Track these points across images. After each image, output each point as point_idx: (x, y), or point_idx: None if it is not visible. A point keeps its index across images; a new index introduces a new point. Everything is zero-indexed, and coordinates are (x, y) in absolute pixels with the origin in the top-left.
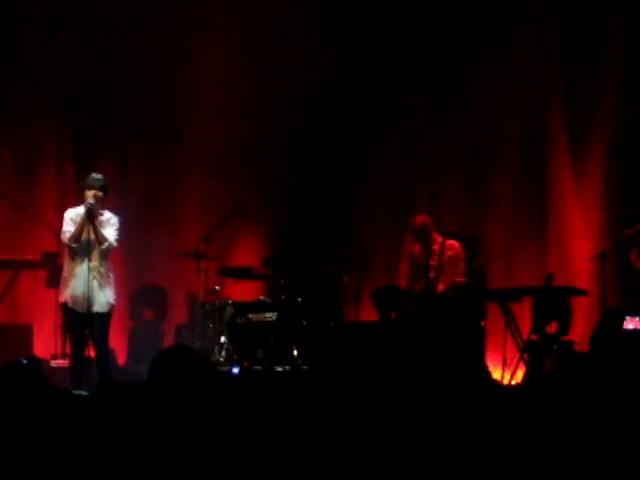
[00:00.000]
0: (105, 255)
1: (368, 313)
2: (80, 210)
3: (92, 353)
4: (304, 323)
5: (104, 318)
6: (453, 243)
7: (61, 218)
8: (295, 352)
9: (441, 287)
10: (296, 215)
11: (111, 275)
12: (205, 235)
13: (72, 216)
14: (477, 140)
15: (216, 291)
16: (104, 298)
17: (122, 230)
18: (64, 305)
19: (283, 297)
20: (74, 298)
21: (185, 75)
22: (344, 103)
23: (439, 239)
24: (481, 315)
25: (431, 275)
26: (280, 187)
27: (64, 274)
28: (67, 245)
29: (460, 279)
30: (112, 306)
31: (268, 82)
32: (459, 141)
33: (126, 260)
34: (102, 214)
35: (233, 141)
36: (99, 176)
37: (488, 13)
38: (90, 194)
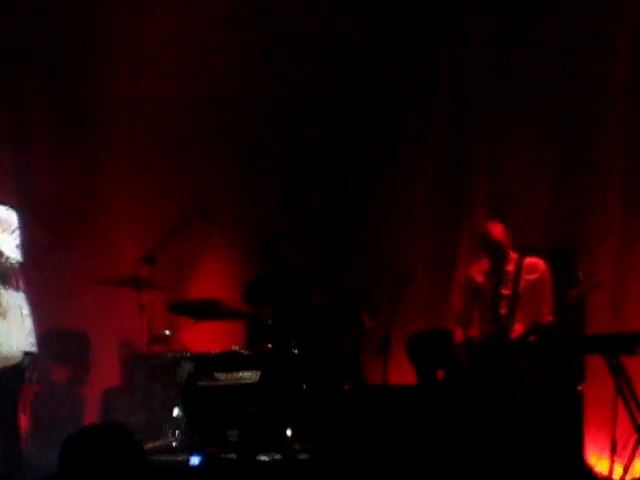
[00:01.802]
0: (4, 278)
1: (401, 371)
2: None
3: None
4: (303, 387)
5: (9, 376)
6: (536, 263)
7: None
8: (289, 432)
9: (517, 330)
10: (291, 224)
11: (23, 306)
12: (149, 252)
13: None
14: (570, 120)
15: (166, 337)
16: (8, 346)
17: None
18: None
19: (270, 347)
20: None
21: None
22: (363, 73)
23: (514, 257)
24: (578, 374)
25: (502, 311)
26: (266, 183)
27: None
28: None
29: (547, 317)
30: (26, 357)
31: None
32: (543, 122)
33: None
34: None
35: (192, 120)
36: None
37: None
38: None
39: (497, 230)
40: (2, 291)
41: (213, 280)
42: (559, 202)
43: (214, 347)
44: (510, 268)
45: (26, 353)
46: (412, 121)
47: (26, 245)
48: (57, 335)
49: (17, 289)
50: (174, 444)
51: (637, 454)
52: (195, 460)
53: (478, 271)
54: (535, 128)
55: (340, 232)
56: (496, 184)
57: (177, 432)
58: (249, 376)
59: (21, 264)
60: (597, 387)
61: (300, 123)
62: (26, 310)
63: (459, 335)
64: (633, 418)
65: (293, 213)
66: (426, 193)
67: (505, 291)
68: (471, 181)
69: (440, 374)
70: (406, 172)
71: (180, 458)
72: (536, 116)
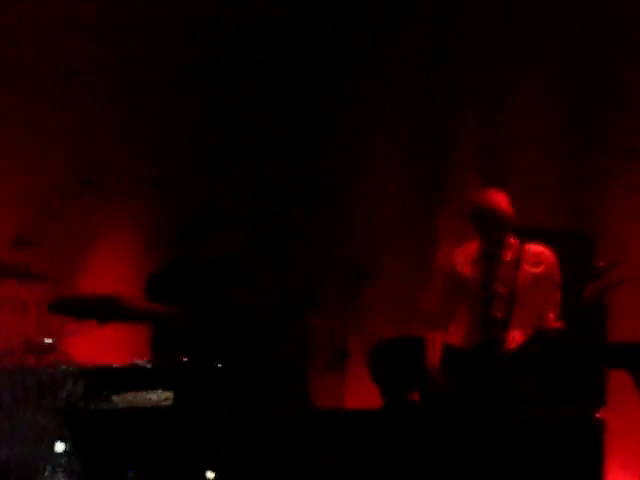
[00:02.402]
0: None
1: (360, 391)
2: None
3: None
4: (226, 412)
5: None
6: (542, 252)
7: None
8: (210, 476)
9: (516, 339)
10: (215, 202)
11: None
12: (20, 234)
13: None
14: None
15: (45, 346)
16: None
17: None
18: None
19: (185, 359)
20: None
21: None
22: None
23: (513, 242)
24: (597, 396)
25: (496, 314)
26: (184, 150)
27: None
28: None
29: (554, 323)
30: None
31: None
32: (556, 63)
33: None
34: None
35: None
36: None
37: None
38: None
39: (502, 199)
40: None
41: (111, 271)
42: (574, 176)
43: (110, 359)
44: (508, 257)
45: None
46: (374, 68)
47: None
48: None
49: None
50: None
51: None
52: None
53: (463, 259)
54: (545, 71)
55: (279, 213)
56: (491, 146)
57: (58, 473)
58: (157, 398)
59: None
60: (622, 413)
61: (230, 77)
62: None
63: (436, 344)
64: None
65: (218, 188)
66: (393, 160)
67: (500, 288)
68: (456, 143)
69: (411, 395)
70: (366, 135)
71: None
72: (545, 54)
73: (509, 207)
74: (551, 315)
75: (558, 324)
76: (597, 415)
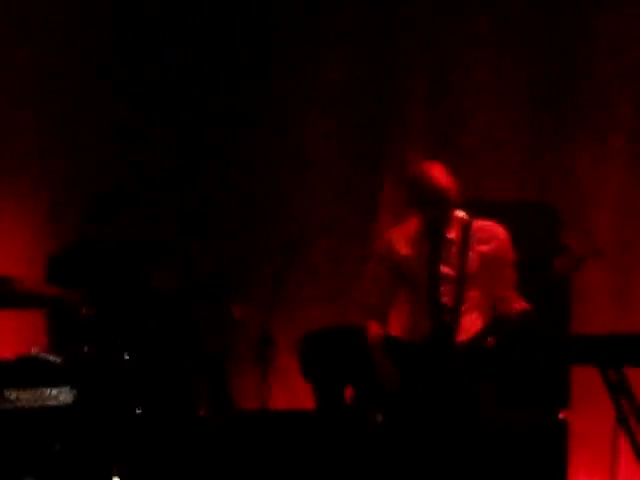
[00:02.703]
0: None
1: (289, 388)
2: None
3: None
4: (137, 411)
5: None
6: (491, 227)
7: None
8: None
9: (468, 328)
10: (126, 175)
11: None
12: None
13: None
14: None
15: None
16: None
17: None
18: None
19: (88, 350)
20: None
21: None
22: None
23: (458, 218)
24: (560, 395)
25: (444, 300)
26: (91, 119)
27: None
28: None
29: (511, 306)
30: None
31: None
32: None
33: None
34: None
35: None
36: None
37: None
38: None
39: (439, 172)
40: None
41: (4, 250)
42: (536, 144)
43: (4, 351)
44: (453, 235)
45: None
46: (308, 29)
47: None
48: None
49: None
50: None
51: None
52: None
53: (402, 240)
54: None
55: (197, 188)
56: (440, 110)
57: None
58: (56, 395)
59: None
60: (588, 414)
61: (151, 41)
62: None
63: (376, 335)
64: None
65: (129, 159)
66: (329, 127)
67: (446, 270)
68: (399, 105)
69: (348, 393)
70: (299, 101)
71: None
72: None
73: (448, 180)
74: (507, 298)
75: (519, 305)
76: (560, 416)
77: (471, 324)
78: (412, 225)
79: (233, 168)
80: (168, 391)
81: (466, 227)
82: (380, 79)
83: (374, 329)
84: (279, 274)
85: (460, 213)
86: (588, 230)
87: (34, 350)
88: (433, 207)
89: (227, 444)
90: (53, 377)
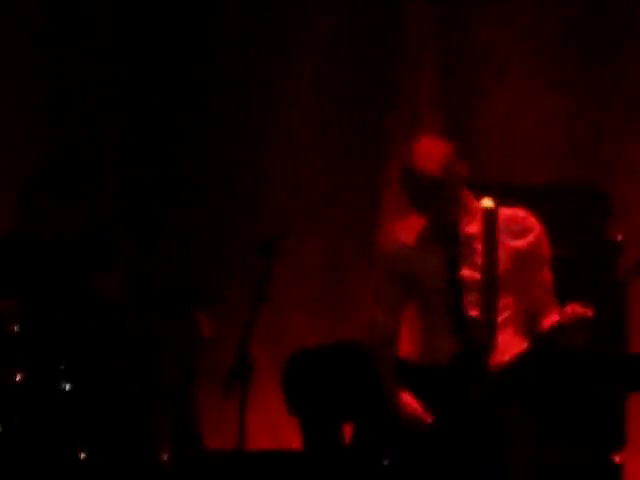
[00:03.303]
0: None
1: (271, 423)
2: None
3: None
4: (80, 456)
5: None
6: (523, 217)
7: None
8: None
9: (508, 346)
10: (69, 160)
11: None
12: None
13: None
14: None
15: None
16: None
17: None
18: None
19: (20, 376)
20: None
21: None
22: None
23: (476, 207)
24: (615, 432)
25: (471, 313)
26: (29, 96)
27: None
28: None
29: (554, 317)
30: None
31: None
32: None
33: None
34: None
35: None
36: None
37: None
38: None
39: (431, 149)
40: None
41: None
42: (583, 121)
43: None
44: (475, 229)
45: None
46: None
47: None
48: None
49: None
50: None
51: None
52: None
53: (410, 240)
54: None
55: (160, 173)
56: (455, 81)
57: None
58: None
59: None
60: None
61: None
62: None
63: (385, 357)
64: None
65: (74, 143)
66: (319, 107)
67: (470, 273)
68: (406, 80)
69: (348, 431)
70: (284, 70)
71: None
72: None
73: (443, 159)
74: (548, 303)
75: (569, 316)
76: (614, 458)
77: (508, 341)
78: (419, 222)
79: (205, 151)
80: (120, 429)
81: (491, 218)
82: (381, 46)
83: (383, 351)
84: (259, 280)
85: (485, 202)
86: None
87: None
88: (426, 203)
89: None
90: None
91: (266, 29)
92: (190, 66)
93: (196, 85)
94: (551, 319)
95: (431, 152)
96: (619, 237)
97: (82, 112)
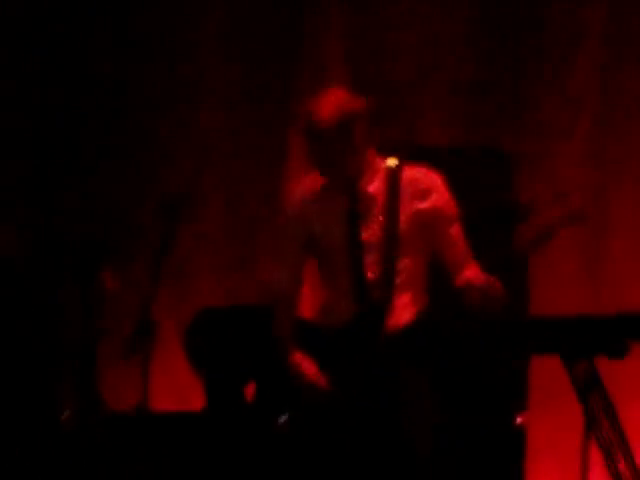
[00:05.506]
0: None
1: (175, 384)
2: None
3: None
4: None
5: None
6: (427, 175)
7: None
8: None
9: (403, 310)
10: None
11: None
12: None
13: None
14: None
15: None
16: None
17: None
18: None
19: None
20: None
21: None
22: None
23: (380, 165)
24: (517, 395)
25: (369, 273)
26: None
27: None
28: None
29: (465, 274)
30: None
31: None
32: None
33: None
34: None
35: None
36: None
37: None
38: None
39: (329, 100)
40: None
41: None
42: (488, 80)
43: None
44: (373, 188)
45: None
46: None
47: None
48: None
49: None
50: None
51: None
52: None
53: (311, 197)
54: None
55: (61, 127)
56: (363, 41)
57: None
58: None
59: None
60: (550, 418)
61: None
62: None
63: (286, 319)
64: (616, 475)
65: None
66: (224, 60)
67: (369, 234)
68: (312, 35)
69: (249, 390)
70: (181, 20)
71: None
72: None
73: (340, 111)
74: (461, 261)
75: (484, 278)
76: (517, 421)
77: (406, 304)
78: (318, 179)
79: (104, 105)
80: (18, 391)
81: (394, 177)
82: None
83: (285, 315)
84: (163, 239)
85: (390, 161)
86: (561, 188)
87: None
88: (325, 149)
89: (96, 454)
90: None
91: None
92: (93, 33)
93: (98, 46)
94: (472, 272)
95: (329, 103)
96: (522, 200)
97: None
